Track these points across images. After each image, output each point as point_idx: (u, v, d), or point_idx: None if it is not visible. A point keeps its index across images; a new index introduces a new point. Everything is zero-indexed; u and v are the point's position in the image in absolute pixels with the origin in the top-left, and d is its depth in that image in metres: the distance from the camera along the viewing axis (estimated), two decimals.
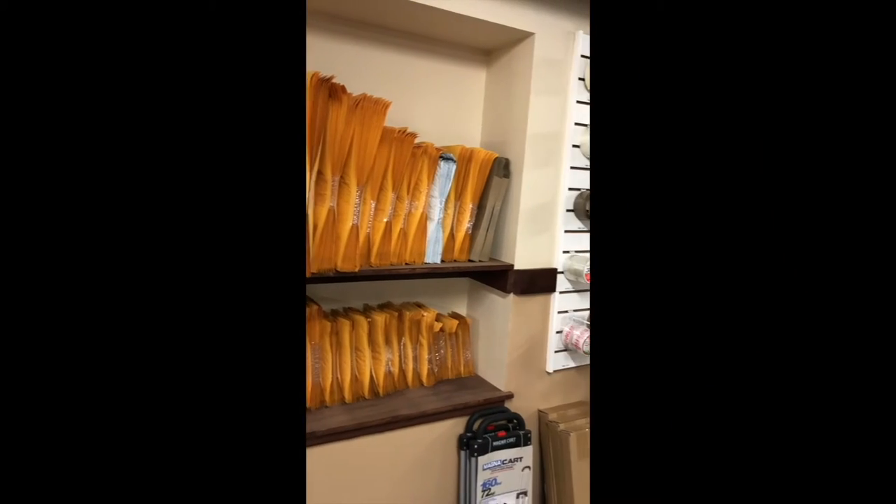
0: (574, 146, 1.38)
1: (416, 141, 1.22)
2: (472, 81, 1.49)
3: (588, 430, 1.38)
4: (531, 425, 1.46)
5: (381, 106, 1.13)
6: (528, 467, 1.38)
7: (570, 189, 1.40)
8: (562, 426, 1.38)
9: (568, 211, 1.41)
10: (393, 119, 1.24)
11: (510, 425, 1.38)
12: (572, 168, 1.39)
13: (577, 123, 1.37)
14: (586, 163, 1.42)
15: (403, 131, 1.19)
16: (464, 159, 1.32)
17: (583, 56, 1.34)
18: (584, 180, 1.42)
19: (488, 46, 1.45)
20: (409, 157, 1.22)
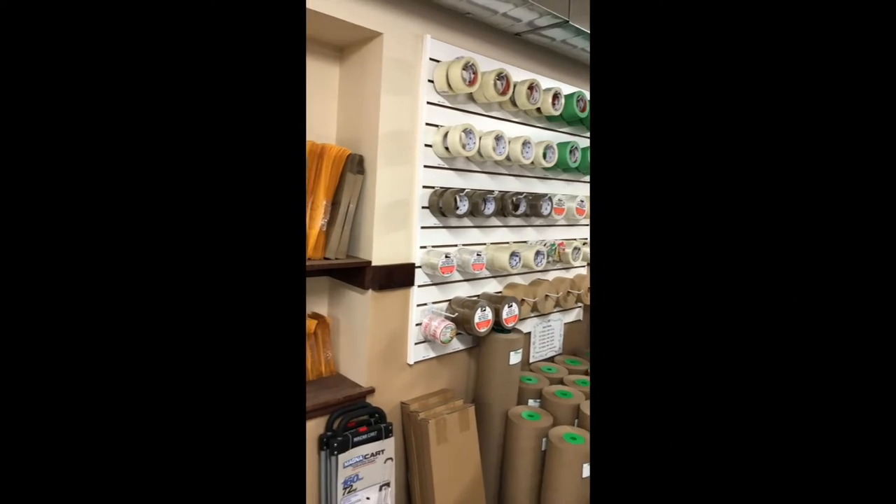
0: (427, 145, 1.44)
1: None
2: (325, 77, 1.48)
3: (447, 415, 1.46)
4: (394, 418, 1.49)
5: None
6: (391, 459, 1.41)
7: (425, 187, 1.46)
8: (422, 415, 1.44)
9: (423, 208, 1.47)
10: None
11: (372, 420, 1.40)
12: (426, 167, 1.45)
13: (428, 124, 1.43)
14: (439, 162, 1.49)
15: None
16: (315, 155, 1.30)
17: (431, 59, 1.41)
18: (437, 178, 1.49)
19: (340, 43, 1.45)
20: None
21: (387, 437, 1.40)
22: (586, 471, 1.42)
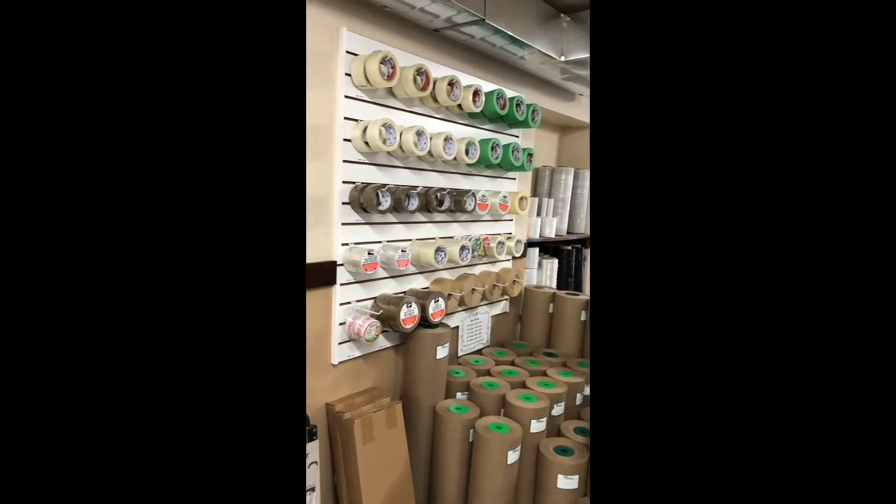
0: (346, 140, 1.41)
1: None
2: None
3: (373, 413, 1.44)
4: (318, 420, 1.45)
5: None
6: (315, 462, 1.37)
7: (345, 182, 1.43)
8: (347, 415, 1.41)
9: (344, 204, 1.44)
10: None
11: None
12: (345, 161, 1.42)
13: (346, 118, 1.40)
14: (359, 156, 1.46)
15: None
16: None
17: (348, 52, 1.37)
18: (357, 173, 1.46)
19: None
20: None
21: (311, 440, 1.35)
22: (511, 458, 1.46)
